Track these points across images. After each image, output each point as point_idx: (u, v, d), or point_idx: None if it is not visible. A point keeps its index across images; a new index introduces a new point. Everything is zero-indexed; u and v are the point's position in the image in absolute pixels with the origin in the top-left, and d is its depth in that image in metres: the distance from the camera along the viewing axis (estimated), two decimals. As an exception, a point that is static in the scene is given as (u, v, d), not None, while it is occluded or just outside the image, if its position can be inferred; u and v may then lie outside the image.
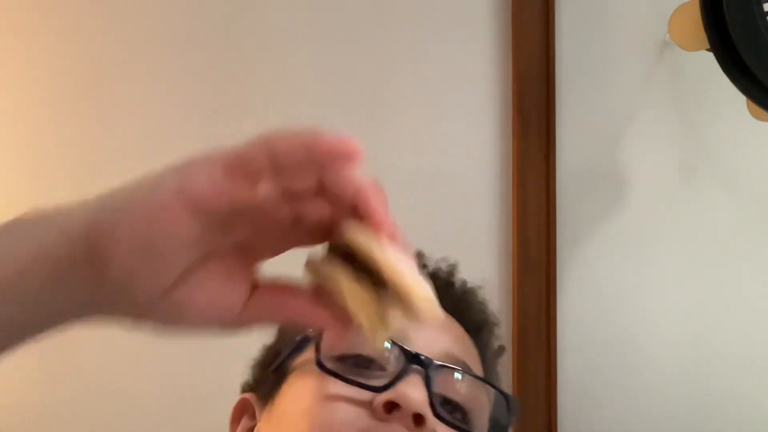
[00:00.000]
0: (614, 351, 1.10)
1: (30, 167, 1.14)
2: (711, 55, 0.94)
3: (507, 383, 1.08)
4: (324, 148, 0.38)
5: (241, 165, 0.38)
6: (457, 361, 0.63)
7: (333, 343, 0.51)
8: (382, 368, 0.60)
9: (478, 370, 0.67)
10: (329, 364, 0.60)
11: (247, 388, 0.70)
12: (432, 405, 0.58)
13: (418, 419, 0.56)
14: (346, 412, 0.56)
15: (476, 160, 1.14)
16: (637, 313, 1.10)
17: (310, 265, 0.42)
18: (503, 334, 1.08)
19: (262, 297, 0.41)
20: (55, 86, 1.16)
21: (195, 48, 1.16)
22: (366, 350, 0.60)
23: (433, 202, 1.12)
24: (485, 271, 1.10)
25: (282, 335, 0.70)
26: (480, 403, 0.64)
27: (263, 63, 1.15)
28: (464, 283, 0.75)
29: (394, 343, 0.60)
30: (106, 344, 1.08)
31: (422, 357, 0.59)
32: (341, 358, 0.60)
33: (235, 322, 0.41)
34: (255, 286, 0.42)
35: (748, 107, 0.98)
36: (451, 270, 0.75)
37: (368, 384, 0.58)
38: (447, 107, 1.15)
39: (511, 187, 1.12)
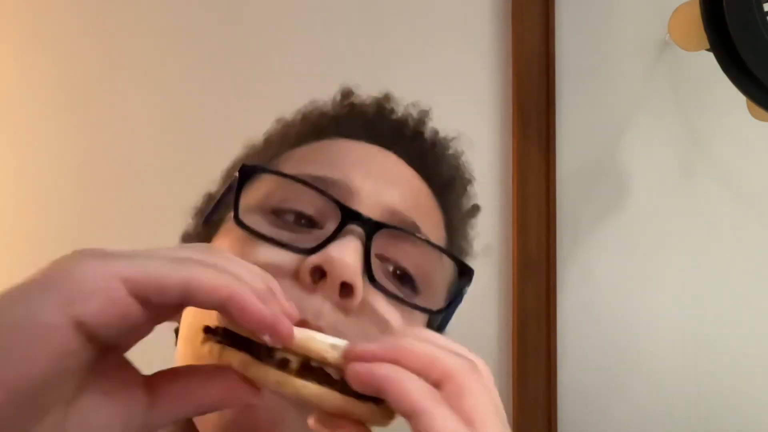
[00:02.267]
0: (614, 351, 1.10)
1: (29, 168, 1.14)
2: (711, 55, 0.94)
3: (507, 383, 1.08)
4: (254, 323, 0.34)
5: (152, 292, 0.33)
6: (404, 220, 0.53)
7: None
8: (321, 227, 0.50)
9: (436, 232, 0.57)
10: (255, 218, 0.50)
11: (185, 238, 0.60)
12: (369, 271, 0.48)
13: (346, 289, 0.46)
14: None
15: (476, 160, 1.13)
16: (637, 313, 1.10)
17: (213, 350, 0.39)
18: (503, 332, 1.09)
19: (166, 393, 0.36)
20: (54, 86, 1.16)
21: (191, 42, 1.16)
22: (309, 208, 0.50)
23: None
24: (485, 271, 1.10)
25: (224, 181, 0.60)
26: (431, 269, 0.53)
27: (261, 63, 1.15)
28: (435, 132, 0.65)
29: (330, 197, 0.49)
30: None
31: (362, 215, 0.49)
32: (277, 212, 0.51)
33: (147, 426, 0.36)
34: (149, 384, 0.36)
35: (748, 107, 0.98)
36: (422, 118, 0.65)
37: (295, 246, 0.48)
38: (447, 107, 1.14)
39: (511, 187, 1.12)
